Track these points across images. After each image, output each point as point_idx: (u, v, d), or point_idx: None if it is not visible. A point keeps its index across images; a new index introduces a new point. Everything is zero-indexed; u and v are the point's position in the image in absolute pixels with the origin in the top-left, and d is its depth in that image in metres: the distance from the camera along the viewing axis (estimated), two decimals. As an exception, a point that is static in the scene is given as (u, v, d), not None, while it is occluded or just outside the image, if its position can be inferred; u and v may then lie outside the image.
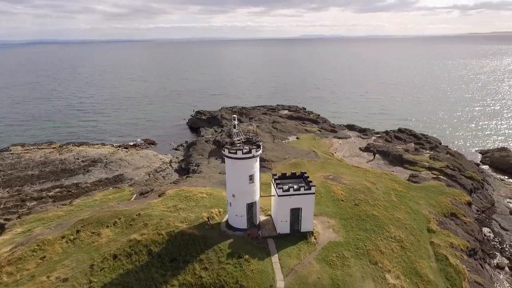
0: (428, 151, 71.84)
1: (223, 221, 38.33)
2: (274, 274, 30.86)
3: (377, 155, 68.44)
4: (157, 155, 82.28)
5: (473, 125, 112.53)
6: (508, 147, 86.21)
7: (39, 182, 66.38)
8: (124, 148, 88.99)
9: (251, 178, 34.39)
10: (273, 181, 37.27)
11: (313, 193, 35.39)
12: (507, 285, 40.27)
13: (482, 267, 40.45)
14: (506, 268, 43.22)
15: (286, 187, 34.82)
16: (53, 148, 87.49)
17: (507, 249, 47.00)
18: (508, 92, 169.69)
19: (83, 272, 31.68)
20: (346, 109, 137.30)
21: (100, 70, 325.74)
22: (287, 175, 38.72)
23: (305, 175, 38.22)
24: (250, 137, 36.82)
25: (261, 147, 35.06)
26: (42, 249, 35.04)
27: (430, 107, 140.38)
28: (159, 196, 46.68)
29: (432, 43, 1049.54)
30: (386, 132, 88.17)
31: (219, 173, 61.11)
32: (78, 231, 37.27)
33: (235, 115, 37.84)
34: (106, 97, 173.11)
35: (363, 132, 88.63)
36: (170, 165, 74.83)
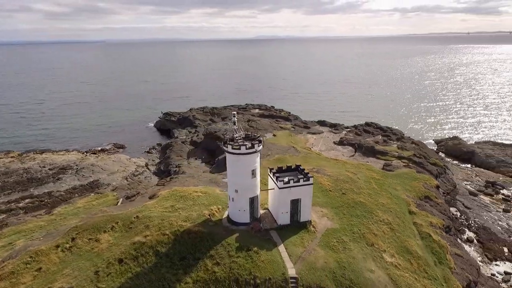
0: (395, 142, 77.55)
1: (224, 217, 38.76)
2: (284, 263, 32.09)
3: (354, 148, 72.41)
4: (130, 159, 79.64)
5: (426, 117, 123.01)
6: (459, 136, 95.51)
7: (4, 194, 61.33)
8: (92, 153, 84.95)
9: (253, 172, 35.34)
10: (271, 175, 38.40)
11: (312, 184, 37.18)
12: (477, 255, 45.46)
13: (456, 241, 45.11)
14: (475, 241, 48.63)
15: (286, 179, 36.19)
16: (12, 157, 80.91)
17: (472, 224, 52.69)
18: (453, 88, 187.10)
19: (88, 279, 30.56)
20: (312, 107, 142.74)
21: (49, 74, 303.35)
22: (283, 168, 40.10)
23: (301, 167, 39.97)
24: (249, 133, 37.73)
25: (262, 142, 36.11)
26: (36, 260, 33.05)
27: (387, 102, 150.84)
28: (150, 198, 45.78)
29: (377, 43, 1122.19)
30: (355, 126, 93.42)
31: (210, 172, 60.75)
32: (73, 239, 35.57)
33: (234, 112, 38.58)
34: (59, 102, 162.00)
35: (334, 127, 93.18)
36: (147, 168, 72.96)
